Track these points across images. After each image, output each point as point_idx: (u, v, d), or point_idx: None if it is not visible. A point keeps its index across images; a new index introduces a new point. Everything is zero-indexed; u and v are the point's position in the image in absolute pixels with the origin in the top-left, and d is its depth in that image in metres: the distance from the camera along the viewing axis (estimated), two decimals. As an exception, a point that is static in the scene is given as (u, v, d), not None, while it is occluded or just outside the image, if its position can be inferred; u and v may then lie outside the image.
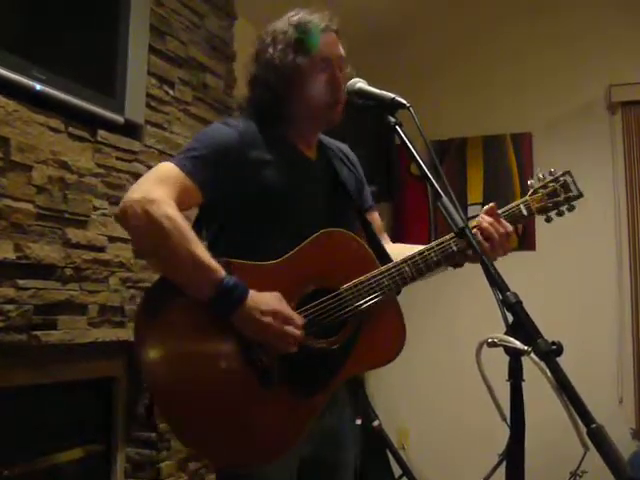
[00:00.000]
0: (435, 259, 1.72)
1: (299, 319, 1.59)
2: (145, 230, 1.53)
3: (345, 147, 2.02)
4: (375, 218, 2.01)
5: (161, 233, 1.51)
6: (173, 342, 1.59)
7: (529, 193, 1.90)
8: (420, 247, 1.77)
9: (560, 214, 1.91)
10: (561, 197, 1.89)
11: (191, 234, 1.54)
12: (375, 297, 1.68)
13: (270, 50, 1.77)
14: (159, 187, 1.56)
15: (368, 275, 1.69)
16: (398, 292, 1.75)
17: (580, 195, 1.90)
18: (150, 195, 1.53)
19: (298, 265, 1.66)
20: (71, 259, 2.36)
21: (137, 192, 1.56)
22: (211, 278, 1.52)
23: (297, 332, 1.57)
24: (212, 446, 1.60)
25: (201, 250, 1.53)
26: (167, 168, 1.63)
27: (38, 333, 2.23)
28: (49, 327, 2.28)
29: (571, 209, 1.91)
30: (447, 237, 1.74)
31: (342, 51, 1.81)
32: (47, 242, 2.28)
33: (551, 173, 1.91)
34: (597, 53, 4.42)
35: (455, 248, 1.72)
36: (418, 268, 1.71)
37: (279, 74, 1.75)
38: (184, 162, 1.63)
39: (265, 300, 1.56)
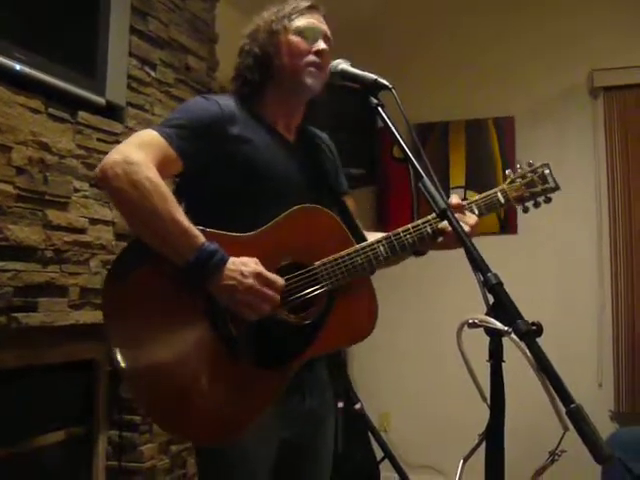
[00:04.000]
0: (410, 240, 1.73)
1: (280, 280, 1.58)
2: (127, 192, 1.52)
3: (324, 136, 2.03)
4: (350, 203, 2.00)
5: (143, 196, 1.50)
6: (136, 310, 1.58)
7: (507, 182, 1.92)
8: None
9: (537, 205, 1.94)
10: (538, 188, 1.92)
11: (172, 198, 1.54)
12: (348, 275, 1.68)
13: (260, 23, 1.81)
14: (140, 151, 1.56)
15: (343, 253, 1.69)
16: (372, 272, 1.75)
17: (557, 188, 1.93)
18: (131, 157, 1.53)
19: (273, 238, 1.65)
20: (51, 241, 2.34)
21: (118, 154, 1.56)
22: (191, 242, 1.52)
23: (277, 296, 1.57)
24: (175, 419, 1.59)
25: (182, 215, 1.53)
26: (149, 134, 1.63)
27: (18, 315, 2.21)
28: (29, 309, 2.26)
29: (548, 201, 1.94)
30: (422, 220, 1.74)
31: (327, 29, 1.81)
32: (27, 224, 2.26)
33: (529, 164, 1.94)
34: (579, 38, 4.43)
35: (430, 230, 1.74)
36: (392, 248, 1.71)
37: (263, 40, 1.77)
38: (166, 130, 1.63)
39: (245, 261, 1.56)
